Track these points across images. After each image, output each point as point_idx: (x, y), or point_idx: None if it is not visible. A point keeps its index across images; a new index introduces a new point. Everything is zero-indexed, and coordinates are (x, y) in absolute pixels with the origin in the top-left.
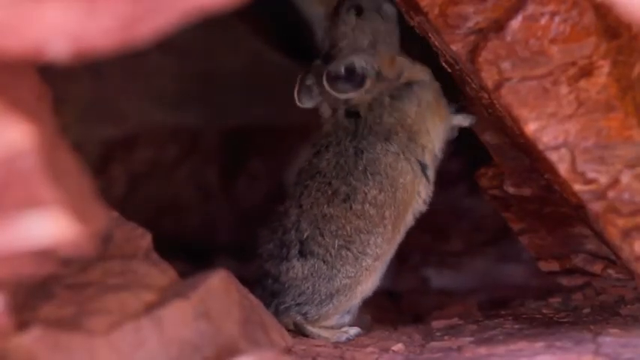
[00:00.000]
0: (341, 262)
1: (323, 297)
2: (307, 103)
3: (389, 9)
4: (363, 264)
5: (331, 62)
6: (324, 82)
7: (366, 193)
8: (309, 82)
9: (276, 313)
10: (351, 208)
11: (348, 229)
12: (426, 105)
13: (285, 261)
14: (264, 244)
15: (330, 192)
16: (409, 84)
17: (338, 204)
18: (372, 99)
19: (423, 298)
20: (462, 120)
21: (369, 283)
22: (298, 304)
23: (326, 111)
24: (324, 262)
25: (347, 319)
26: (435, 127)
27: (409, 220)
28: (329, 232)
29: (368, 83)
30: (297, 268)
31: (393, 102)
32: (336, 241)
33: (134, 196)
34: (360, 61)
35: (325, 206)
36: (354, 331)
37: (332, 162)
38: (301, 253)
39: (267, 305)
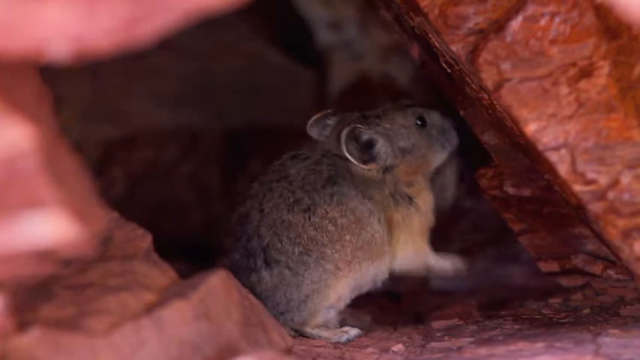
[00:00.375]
0: (304, 267)
1: (297, 303)
2: (312, 134)
3: (449, 141)
4: (327, 267)
5: (362, 124)
6: (342, 135)
7: (326, 212)
8: (330, 121)
9: None
10: (309, 218)
11: (305, 237)
12: (407, 223)
13: (254, 272)
14: (231, 253)
15: (292, 200)
16: (410, 198)
17: (298, 212)
18: (374, 181)
19: (423, 299)
20: (448, 265)
21: (340, 288)
22: (281, 313)
23: (329, 146)
24: (288, 268)
25: (332, 313)
26: (404, 246)
27: (370, 272)
28: (287, 238)
29: (373, 167)
30: (267, 278)
31: (389, 199)
32: (296, 248)
33: (134, 197)
34: (382, 147)
35: (285, 212)
36: (354, 331)
37: (302, 173)
38: (266, 263)
39: None
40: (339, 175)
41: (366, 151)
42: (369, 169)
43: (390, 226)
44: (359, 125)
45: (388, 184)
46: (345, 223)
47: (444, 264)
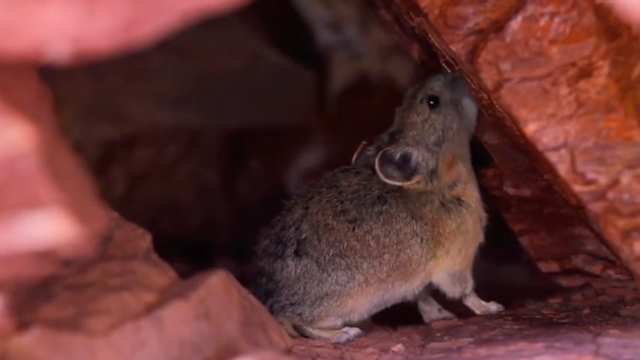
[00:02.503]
0: (332, 267)
1: (313, 299)
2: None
3: (469, 105)
4: (356, 276)
5: (392, 145)
6: (376, 163)
7: (372, 228)
8: (370, 152)
9: (271, 312)
10: (354, 230)
11: (345, 244)
12: (463, 230)
13: (279, 259)
14: (261, 241)
15: (339, 209)
16: (459, 200)
17: (343, 221)
18: (424, 192)
19: None
20: (482, 306)
21: (360, 302)
22: (292, 304)
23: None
24: (316, 263)
25: (339, 322)
26: (455, 257)
27: (401, 291)
28: (326, 240)
29: (416, 179)
30: (291, 267)
31: (440, 208)
32: (332, 250)
33: (134, 197)
34: (417, 156)
35: (330, 217)
36: (354, 331)
37: (353, 187)
38: (297, 253)
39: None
40: (389, 193)
41: (405, 166)
42: (418, 182)
43: (440, 241)
44: (387, 148)
45: (437, 192)
46: (387, 243)
47: (481, 302)
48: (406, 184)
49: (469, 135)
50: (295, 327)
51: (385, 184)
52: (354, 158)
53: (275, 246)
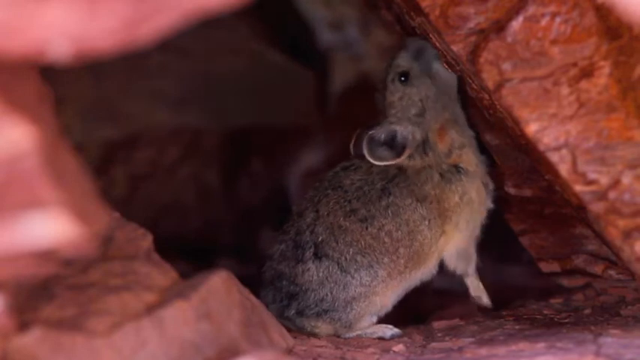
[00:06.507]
0: (355, 267)
1: (343, 304)
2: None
3: (440, 69)
4: (379, 273)
5: (373, 127)
6: (364, 147)
7: (383, 224)
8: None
9: (300, 314)
10: (367, 229)
11: (363, 243)
12: (467, 200)
13: (300, 263)
14: (276, 245)
15: (348, 208)
16: (458, 168)
17: (354, 221)
18: (422, 168)
19: (424, 299)
20: (479, 289)
21: (387, 297)
22: (326, 311)
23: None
24: (338, 265)
25: (375, 319)
26: (464, 230)
27: (417, 277)
28: (343, 240)
29: (407, 153)
30: (312, 270)
31: (440, 180)
32: (351, 249)
33: (135, 197)
34: (402, 131)
35: (342, 219)
36: (395, 330)
37: (356, 184)
38: (316, 255)
39: (286, 307)
40: (391, 182)
41: (393, 144)
42: (413, 157)
43: (447, 216)
44: (371, 131)
45: (435, 164)
46: (399, 237)
47: (480, 285)
48: (398, 160)
49: (453, 99)
50: (336, 333)
51: (386, 173)
52: (351, 147)
53: (293, 250)
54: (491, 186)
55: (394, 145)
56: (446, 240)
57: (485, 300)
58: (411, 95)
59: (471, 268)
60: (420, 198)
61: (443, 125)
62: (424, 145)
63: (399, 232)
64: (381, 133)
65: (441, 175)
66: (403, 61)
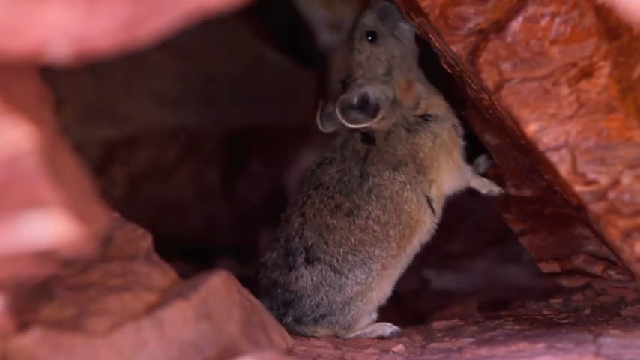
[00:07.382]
0: (348, 267)
1: (341, 306)
2: (330, 128)
3: (405, 28)
4: (373, 268)
5: (346, 91)
6: (337, 113)
7: (369, 212)
8: (329, 109)
9: (298, 322)
10: (354, 222)
11: (353, 240)
12: (440, 143)
13: (292, 270)
14: (267, 253)
15: (333, 205)
16: (426, 117)
17: (341, 217)
18: (389, 130)
19: (423, 299)
20: (485, 185)
21: (384, 287)
22: (323, 316)
23: (344, 130)
24: (331, 267)
25: (374, 315)
26: (447, 166)
27: (415, 245)
28: (333, 241)
29: (381, 114)
30: (306, 276)
31: (408, 135)
32: (341, 249)
33: (135, 197)
34: (374, 92)
35: (328, 217)
36: (395, 328)
37: (335, 177)
38: (308, 261)
39: (283, 315)
40: (366, 162)
41: (367, 106)
42: (383, 118)
43: (426, 166)
44: (343, 96)
45: (401, 121)
46: (387, 219)
47: (484, 181)
48: (374, 121)
49: (415, 56)
50: (337, 335)
51: (357, 154)
52: (317, 120)
53: (285, 258)
54: (459, 129)
55: (367, 107)
56: (437, 187)
57: (496, 190)
58: (378, 55)
59: (469, 176)
60: (395, 164)
61: (409, 81)
62: (393, 102)
63: (386, 214)
64: (353, 96)
65: (408, 130)
66: (369, 20)
